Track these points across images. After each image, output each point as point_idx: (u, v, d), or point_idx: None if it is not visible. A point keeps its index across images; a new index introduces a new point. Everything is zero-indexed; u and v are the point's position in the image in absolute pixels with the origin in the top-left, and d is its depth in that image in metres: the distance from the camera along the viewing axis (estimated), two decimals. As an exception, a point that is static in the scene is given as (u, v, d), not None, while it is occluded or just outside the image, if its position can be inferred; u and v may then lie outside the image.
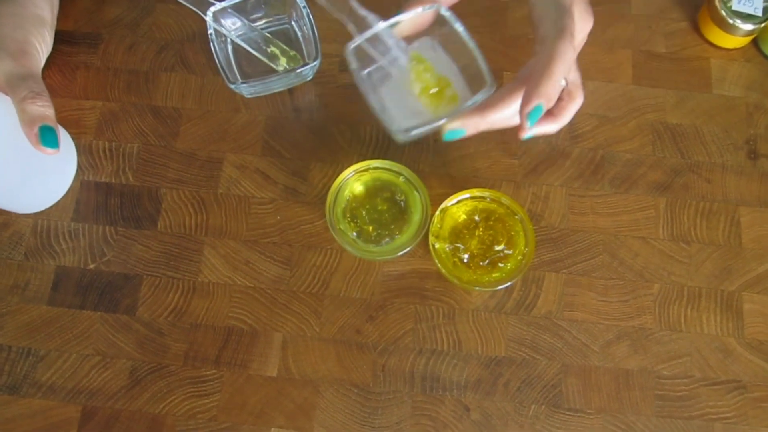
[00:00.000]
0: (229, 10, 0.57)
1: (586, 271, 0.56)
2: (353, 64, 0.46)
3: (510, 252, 0.53)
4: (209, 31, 0.57)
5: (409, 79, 0.49)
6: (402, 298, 0.55)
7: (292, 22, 0.61)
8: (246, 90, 0.57)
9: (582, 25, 0.47)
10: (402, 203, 0.54)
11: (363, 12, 0.47)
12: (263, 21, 0.61)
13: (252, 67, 0.60)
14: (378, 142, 0.59)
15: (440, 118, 0.45)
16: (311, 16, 0.57)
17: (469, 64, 0.47)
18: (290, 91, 0.61)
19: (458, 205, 0.54)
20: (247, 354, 0.53)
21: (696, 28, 0.64)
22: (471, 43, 0.46)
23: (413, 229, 0.53)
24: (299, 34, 0.61)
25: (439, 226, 0.53)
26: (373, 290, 0.55)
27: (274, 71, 0.59)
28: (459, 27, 0.46)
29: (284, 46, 0.59)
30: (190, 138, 0.59)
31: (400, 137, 0.45)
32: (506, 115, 0.46)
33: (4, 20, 0.53)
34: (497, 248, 0.53)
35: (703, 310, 0.55)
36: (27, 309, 0.54)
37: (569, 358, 0.54)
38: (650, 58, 0.63)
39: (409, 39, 0.49)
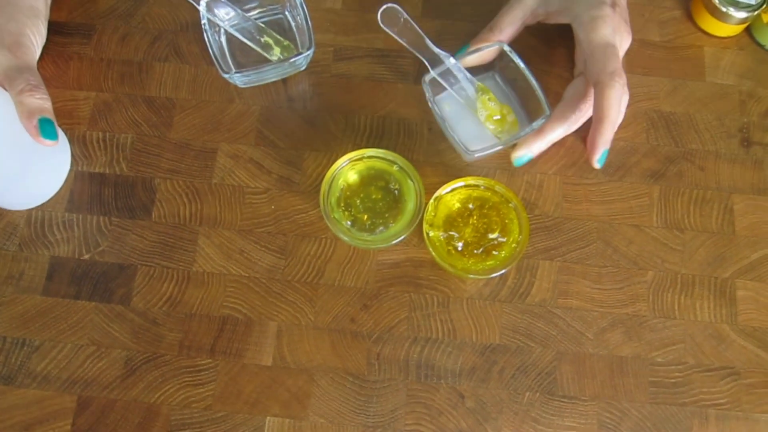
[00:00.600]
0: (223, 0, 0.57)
1: (580, 259, 0.56)
2: (428, 93, 0.54)
3: (504, 240, 0.53)
4: (202, 21, 0.56)
5: (475, 107, 0.57)
6: (396, 286, 0.55)
7: (286, 12, 0.61)
8: (239, 80, 0.57)
9: (623, 44, 0.55)
10: (396, 192, 0.54)
11: (437, 50, 0.55)
12: (257, 11, 0.61)
13: (246, 57, 0.60)
14: (372, 131, 0.59)
15: (505, 142, 0.54)
16: (305, 6, 0.57)
17: (527, 93, 0.55)
18: (284, 80, 0.60)
19: (452, 194, 0.54)
20: (242, 343, 0.53)
21: (689, 17, 0.64)
22: (530, 76, 0.54)
23: (407, 218, 0.53)
24: (293, 24, 0.61)
25: (433, 214, 0.53)
26: (367, 279, 0.55)
27: (267, 61, 0.59)
28: (519, 62, 0.54)
29: (278, 36, 0.59)
30: (183, 128, 0.59)
31: (468, 157, 0.54)
32: (560, 133, 0.54)
33: None
34: (491, 236, 0.53)
35: (697, 297, 0.55)
36: (21, 299, 0.54)
37: (563, 346, 0.54)
38: (644, 46, 0.63)
39: (475, 70, 0.57)
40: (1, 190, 0.52)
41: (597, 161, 0.51)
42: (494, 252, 0.53)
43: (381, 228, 0.53)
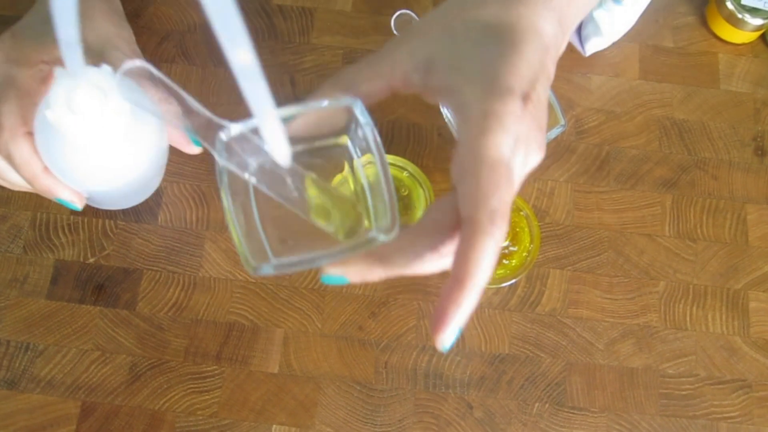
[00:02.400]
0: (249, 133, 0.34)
1: (591, 268, 0.55)
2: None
3: (515, 248, 0.52)
4: (219, 175, 0.34)
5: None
6: (405, 294, 0.54)
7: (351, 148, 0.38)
8: (270, 271, 0.34)
9: (529, 163, 0.34)
10: (406, 198, 0.53)
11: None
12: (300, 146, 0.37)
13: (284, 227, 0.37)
14: (381, 137, 0.58)
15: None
16: (380, 145, 0.35)
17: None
18: (292, 82, 0.60)
19: (463, 201, 0.53)
20: (249, 350, 0.53)
21: (704, 23, 0.63)
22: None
23: (417, 225, 0.52)
24: (361, 174, 0.38)
25: (443, 221, 0.52)
26: (375, 286, 0.54)
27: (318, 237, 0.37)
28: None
29: (334, 192, 0.37)
30: (191, 131, 0.58)
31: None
32: (399, 270, 0.34)
33: (106, 17, 0.49)
34: (502, 244, 0.52)
35: (709, 309, 0.55)
36: (26, 303, 0.53)
37: (573, 356, 0.53)
38: (657, 52, 0.62)
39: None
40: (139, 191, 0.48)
41: (442, 341, 0.31)
42: (504, 261, 0.52)
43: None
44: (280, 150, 0.32)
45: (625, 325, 0.54)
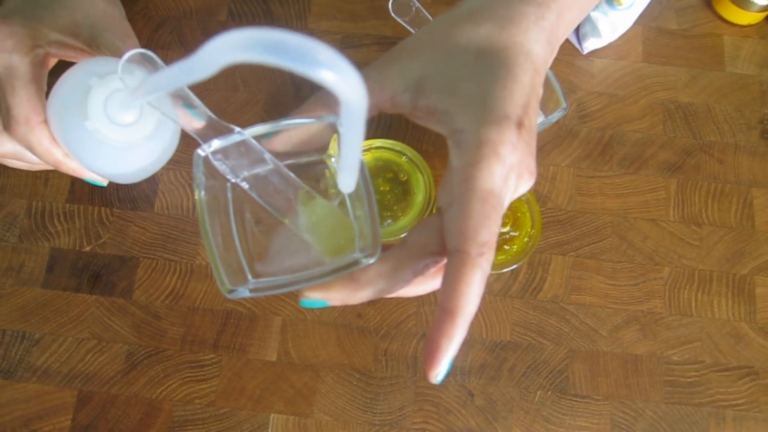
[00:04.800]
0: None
1: (594, 254, 0.54)
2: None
3: (516, 234, 0.51)
4: (197, 191, 0.33)
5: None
6: (404, 281, 0.53)
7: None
8: (251, 295, 0.33)
9: (519, 190, 0.34)
10: (405, 184, 0.53)
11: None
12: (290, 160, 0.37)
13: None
14: (379, 122, 0.58)
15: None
16: (364, 164, 0.33)
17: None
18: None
19: (462, 186, 0.52)
20: (246, 338, 0.52)
21: (708, 4, 0.62)
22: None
23: (416, 211, 0.51)
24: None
25: (442, 207, 0.52)
26: (374, 273, 0.54)
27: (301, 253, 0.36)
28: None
29: (333, 207, 0.36)
30: (187, 117, 0.57)
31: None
32: (381, 291, 0.33)
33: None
34: (503, 230, 0.51)
35: (715, 294, 0.54)
36: (21, 292, 0.53)
37: (576, 343, 0.52)
38: (661, 34, 0.61)
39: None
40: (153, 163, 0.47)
41: (436, 375, 0.31)
42: (505, 246, 0.51)
43: (389, 221, 0.52)
44: (348, 181, 0.31)
45: (629, 311, 0.53)
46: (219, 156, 0.33)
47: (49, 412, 0.50)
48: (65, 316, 0.52)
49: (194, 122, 0.34)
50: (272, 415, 0.50)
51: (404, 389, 0.51)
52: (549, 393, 0.51)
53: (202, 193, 0.33)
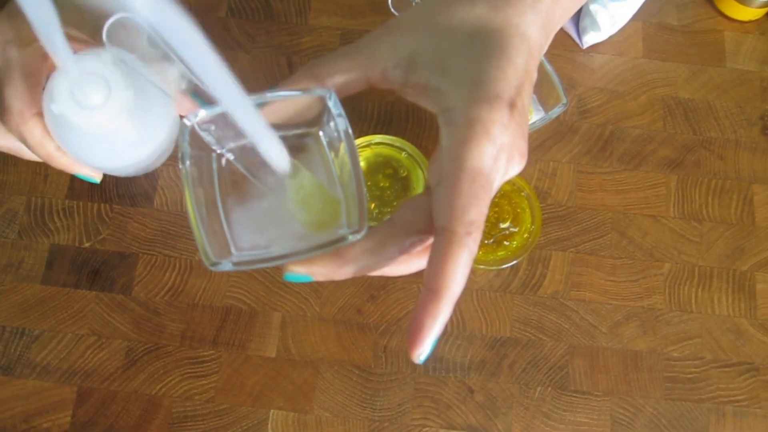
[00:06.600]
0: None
1: (594, 250, 0.54)
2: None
3: (516, 230, 0.51)
4: (182, 161, 0.32)
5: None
6: (404, 277, 0.53)
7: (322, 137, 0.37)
8: (234, 268, 0.33)
9: (509, 172, 0.33)
10: (405, 180, 0.53)
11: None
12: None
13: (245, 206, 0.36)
14: (379, 117, 0.57)
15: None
16: (352, 138, 0.33)
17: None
18: (289, 63, 0.59)
19: (462, 182, 0.52)
20: (246, 334, 0.52)
21: (709, 0, 0.62)
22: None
23: (416, 207, 0.51)
24: (333, 168, 0.37)
25: (442, 203, 0.52)
26: (374, 269, 0.53)
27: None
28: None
29: (314, 177, 0.35)
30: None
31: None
32: (366, 268, 0.32)
33: None
34: (503, 226, 0.51)
35: (715, 291, 0.53)
36: (21, 288, 0.53)
37: (576, 339, 0.52)
38: (661, 30, 0.60)
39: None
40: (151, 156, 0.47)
41: (419, 354, 0.30)
42: (505, 242, 0.51)
43: (389, 217, 0.52)
44: (279, 163, 0.31)
45: (629, 307, 0.53)
46: (205, 126, 0.32)
47: (48, 409, 0.50)
48: (65, 313, 0.52)
49: (182, 91, 0.33)
50: (272, 411, 0.50)
51: (404, 385, 0.51)
52: (549, 389, 0.51)
53: (188, 163, 0.32)
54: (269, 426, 0.50)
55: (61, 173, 0.55)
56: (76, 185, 0.55)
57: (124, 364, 0.51)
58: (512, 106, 0.31)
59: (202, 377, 0.51)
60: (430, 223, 0.31)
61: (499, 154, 0.31)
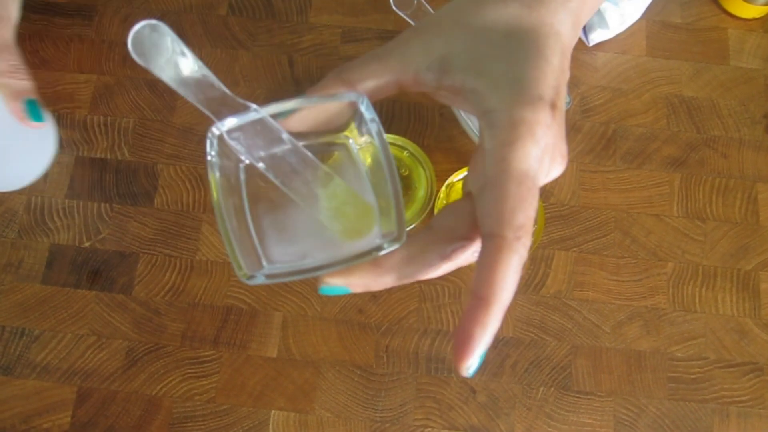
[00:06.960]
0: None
1: (597, 250, 0.54)
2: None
3: (518, 229, 0.51)
4: (211, 172, 0.31)
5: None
6: (406, 277, 0.53)
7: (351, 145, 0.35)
8: (269, 281, 0.32)
9: (551, 174, 0.32)
10: (406, 179, 0.52)
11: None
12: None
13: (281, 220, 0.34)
14: (381, 116, 0.57)
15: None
16: (386, 144, 0.32)
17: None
18: (290, 62, 0.58)
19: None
20: (247, 334, 0.52)
21: (713, -2, 0.61)
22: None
23: (418, 206, 0.51)
24: (363, 170, 0.35)
25: (444, 201, 0.51)
26: (376, 269, 0.53)
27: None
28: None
29: (352, 189, 0.34)
30: (187, 112, 0.57)
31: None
32: (406, 277, 0.32)
33: None
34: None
35: (719, 290, 0.53)
36: (20, 288, 0.53)
37: (579, 339, 0.52)
38: (665, 28, 0.60)
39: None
40: None
41: (468, 367, 0.29)
42: (508, 242, 0.51)
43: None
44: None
45: (633, 307, 0.53)
46: (234, 135, 0.32)
47: (48, 409, 0.50)
48: (65, 312, 0.52)
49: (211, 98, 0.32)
50: (273, 411, 0.50)
51: (406, 386, 0.51)
52: (552, 389, 0.51)
53: (217, 174, 0.31)
54: (270, 426, 0.50)
55: (61, 172, 0.55)
56: (76, 185, 0.55)
57: (125, 364, 0.51)
58: (554, 106, 0.31)
59: (202, 377, 0.51)
60: (473, 228, 0.31)
61: (543, 156, 0.30)
